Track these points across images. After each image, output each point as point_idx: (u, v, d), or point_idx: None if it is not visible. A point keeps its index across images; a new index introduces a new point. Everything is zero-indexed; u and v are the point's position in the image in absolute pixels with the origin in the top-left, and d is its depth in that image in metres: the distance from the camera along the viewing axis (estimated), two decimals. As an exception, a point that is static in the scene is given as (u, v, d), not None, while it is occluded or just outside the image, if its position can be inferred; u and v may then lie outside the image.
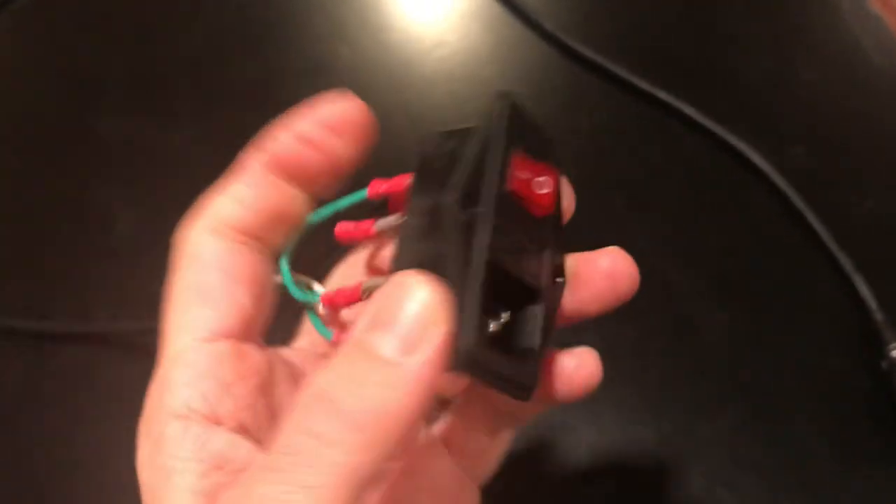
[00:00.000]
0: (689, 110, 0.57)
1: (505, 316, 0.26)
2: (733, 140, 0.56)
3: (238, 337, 0.27)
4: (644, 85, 0.58)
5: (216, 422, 0.25)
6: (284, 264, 0.29)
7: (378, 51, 0.62)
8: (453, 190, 0.24)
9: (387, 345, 0.22)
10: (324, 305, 0.29)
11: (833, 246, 0.52)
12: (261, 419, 0.26)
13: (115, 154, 0.58)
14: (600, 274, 0.28)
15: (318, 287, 0.30)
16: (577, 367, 0.28)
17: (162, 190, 0.56)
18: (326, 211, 0.29)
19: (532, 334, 0.26)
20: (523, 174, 0.26)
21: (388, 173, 0.29)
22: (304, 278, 0.30)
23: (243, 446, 0.25)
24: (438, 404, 0.32)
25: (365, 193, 0.28)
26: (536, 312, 0.26)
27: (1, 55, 0.63)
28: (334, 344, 0.29)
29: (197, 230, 0.28)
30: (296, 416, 0.22)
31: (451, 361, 0.22)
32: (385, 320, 0.22)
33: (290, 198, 0.28)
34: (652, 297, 0.51)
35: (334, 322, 0.30)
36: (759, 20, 0.62)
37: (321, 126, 0.27)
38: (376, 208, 0.29)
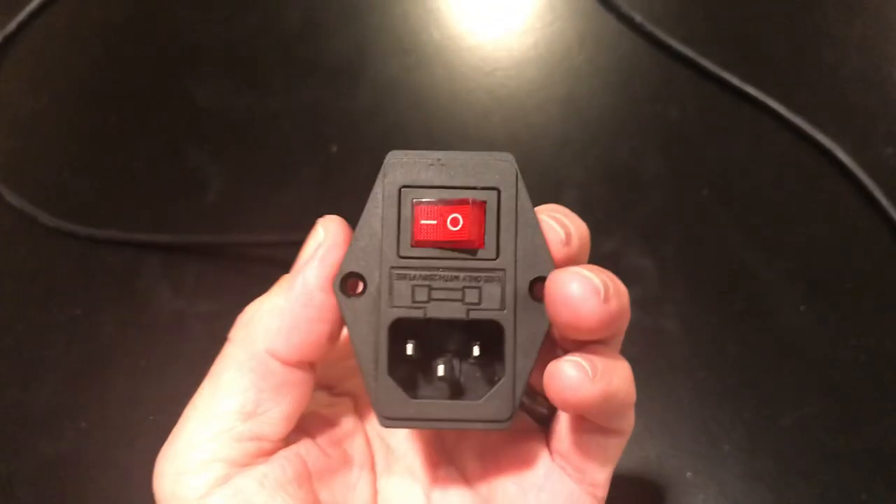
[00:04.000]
0: (778, 106, 0.57)
1: (445, 361, 0.28)
2: (821, 138, 0.56)
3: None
4: (734, 80, 0.58)
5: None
6: None
7: (467, 33, 0.63)
8: (338, 272, 0.28)
9: (291, 273, 0.28)
10: None
11: (920, 247, 0.52)
12: None
13: (210, 121, 0.59)
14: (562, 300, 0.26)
15: None
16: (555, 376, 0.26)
17: (252, 158, 0.57)
18: None
19: (500, 365, 0.28)
20: (430, 218, 0.27)
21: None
22: None
23: None
24: (537, 420, 0.32)
25: None
26: (501, 342, 0.28)
27: (104, 21, 0.64)
28: None
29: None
30: None
31: (380, 422, 0.27)
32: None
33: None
34: (735, 288, 0.52)
35: None
36: (853, 19, 0.62)
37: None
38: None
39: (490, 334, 0.28)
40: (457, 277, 0.27)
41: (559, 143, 0.57)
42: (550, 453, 0.31)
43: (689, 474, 0.46)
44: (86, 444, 0.48)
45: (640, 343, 0.50)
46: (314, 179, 0.56)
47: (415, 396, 0.28)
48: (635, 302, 0.51)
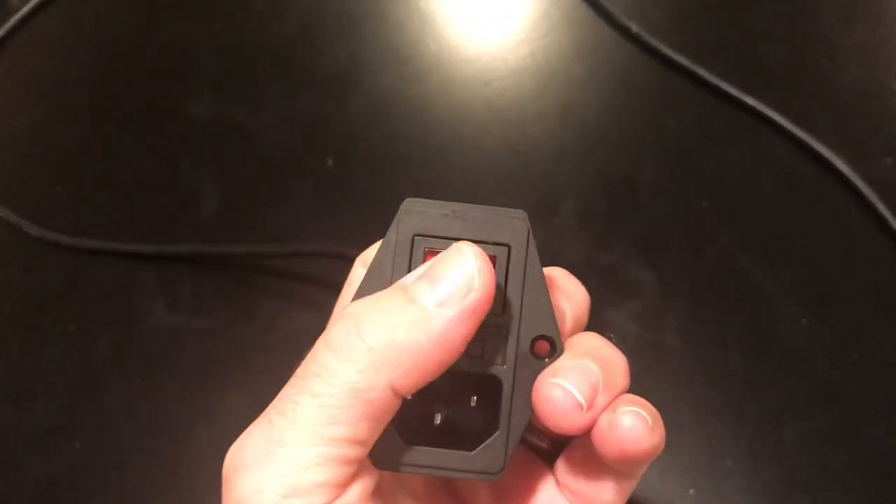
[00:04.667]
0: (776, 116, 0.57)
1: (443, 412, 0.29)
2: (820, 147, 0.56)
3: None
4: (732, 90, 0.58)
5: None
6: None
7: (463, 44, 0.63)
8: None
9: (427, 295, 0.25)
10: None
11: (921, 258, 0.52)
12: None
13: (204, 133, 0.59)
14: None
15: None
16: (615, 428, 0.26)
17: (247, 170, 0.57)
18: None
19: (495, 419, 0.28)
20: None
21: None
22: None
23: None
24: (551, 445, 0.32)
25: None
26: (499, 397, 0.28)
27: (98, 32, 0.64)
28: None
29: None
30: (326, 330, 0.26)
31: (373, 463, 0.27)
32: (433, 276, 0.26)
33: None
34: (735, 300, 0.51)
35: None
36: (852, 28, 0.62)
37: None
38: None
39: (488, 386, 0.28)
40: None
41: (557, 154, 0.57)
42: (557, 484, 0.30)
43: (691, 491, 0.46)
44: (80, 463, 0.47)
45: (640, 357, 0.49)
46: (310, 191, 0.56)
47: (410, 442, 0.28)
48: (635, 315, 0.51)
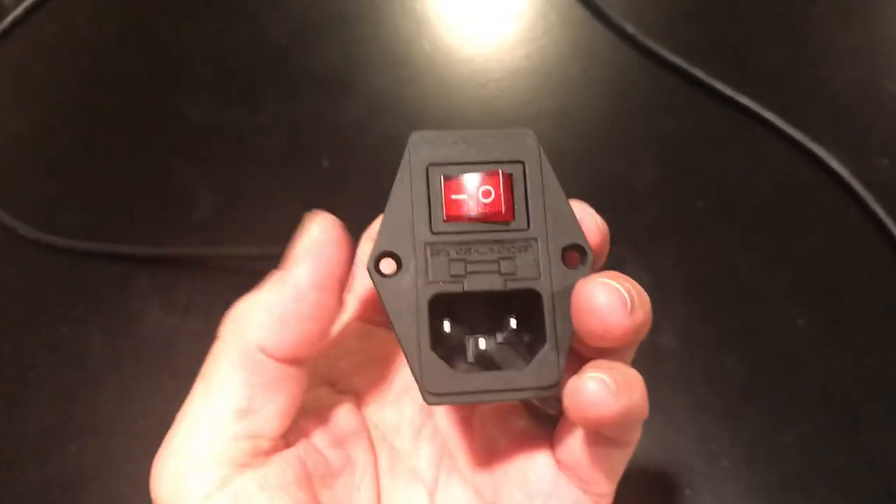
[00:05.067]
0: (773, 117, 0.57)
1: (483, 337, 0.28)
2: (817, 149, 0.56)
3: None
4: (728, 90, 0.58)
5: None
6: None
7: (458, 45, 0.63)
8: (372, 252, 0.27)
9: (283, 269, 0.28)
10: None
11: (917, 259, 0.52)
12: None
13: (199, 135, 0.58)
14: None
15: None
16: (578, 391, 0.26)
17: (242, 173, 0.57)
18: None
19: (540, 333, 0.28)
20: (460, 193, 0.28)
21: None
22: None
23: None
24: (543, 420, 0.32)
25: None
26: (541, 310, 0.28)
27: (91, 33, 0.64)
28: None
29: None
30: None
31: (426, 399, 0.27)
32: (291, 255, 0.28)
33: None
34: (732, 301, 0.51)
35: None
36: (848, 29, 0.62)
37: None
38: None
39: (523, 306, 0.28)
40: (491, 249, 0.28)
41: (553, 155, 0.56)
42: (556, 461, 0.30)
43: (687, 491, 0.46)
44: (74, 466, 0.47)
45: (637, 358, 0.49)
46: (305, 194, 0.56)
47: (460, 372, 0.28)
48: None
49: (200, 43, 0.63)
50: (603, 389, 0.26)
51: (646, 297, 0.27)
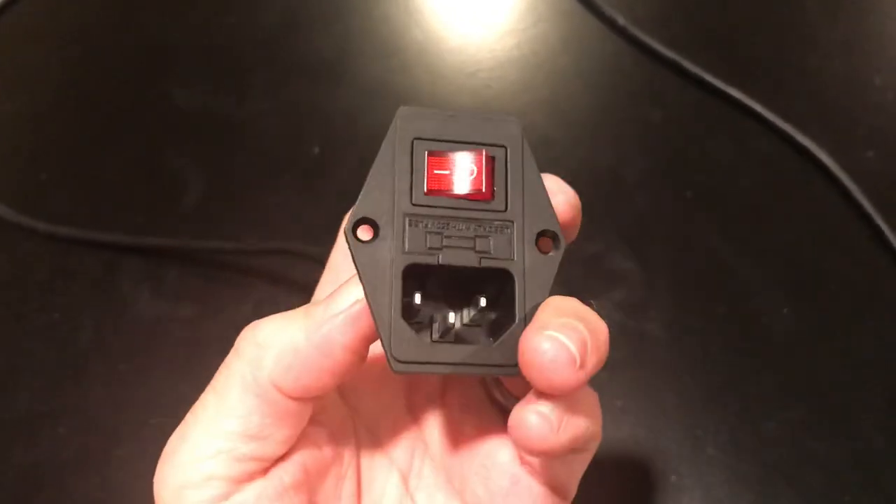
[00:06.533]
0: (760, 109, 0.57)
1: (458, 313, 0.29)
2: (804, 140, 0.56)
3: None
4: (717, 82, 0.58)
5: None
6: None
7: (449, 34, 0.63)
8: (350, 217, 0.27)
9: (320, 310, 0.27)
10: None
11: (901, 250, 0.52)
12: None
13: (189, 123, 0.58)
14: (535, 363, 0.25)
15: None
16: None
17: (233, 160, 0.57)
18: None
19: (509, 314, 0.28)
20: (443, 169, 0.28)
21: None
22: None
23: None
24: (505, 412, 0.32)
25: None
26: (512, 291, 0.28)
27: (81, 21, 0.64)
28: None
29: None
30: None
31: (392, 367, 0.27)
32: (330, 298, 0.27)
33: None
34: (718, 290, 0.52)
35: None
36: (836, 22, 0.62)
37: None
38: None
39: (494, 286, 0.28)
40: (468, 227, 0.28)
41: (543, 145, 0.57)
42: (518, 457, 0.30)
43: (673, 478, 0.46)
44: (63, 449, 0.47)
45: (623, 347, 0.50)
46: (296, 182, 0.56)
47: (427, 341, 0.28)
48: (619, 305, 0.51)
49: (190, 29, 0.63)
50: (545, 425, 0.25)
51: (603, 334, 0.26)
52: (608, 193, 0.55)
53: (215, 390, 0.28)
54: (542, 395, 0.26)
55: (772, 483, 0.46)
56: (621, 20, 0.61)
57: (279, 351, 0.27)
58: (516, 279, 0.28)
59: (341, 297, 0.27)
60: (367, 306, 0.26)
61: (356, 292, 0.27)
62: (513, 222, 0.28)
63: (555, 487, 0.30)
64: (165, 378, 0.49)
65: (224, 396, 0.28)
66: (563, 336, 0.24)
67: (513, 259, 0.28)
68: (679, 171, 0.56)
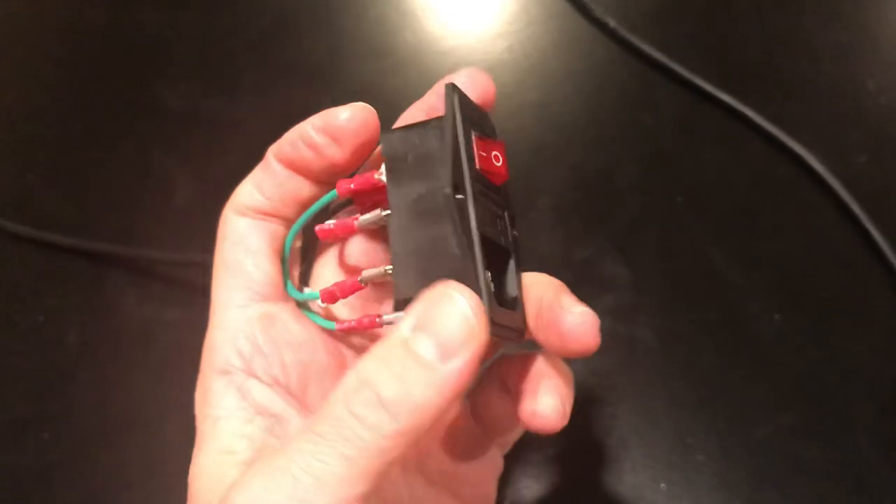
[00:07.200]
0: (752, 114, 0.57)
1: (489, 276, 0.29)
2: (795, 146, 0.56)
3: (270, 298, 0.31)
4: (708, 86, 0.58)
5: (252, 375, 0.30)
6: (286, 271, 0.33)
7: (441, 36, 0.63)
8: (445, 181, 0.28)
9: (428, 349, 0.25)
10: (323, 300, 0.31)
11: (892, 256, 0.52)
12: (292, 378, 0.30)
13: (179, 123, 0.58)
14: (558, 331, 0.28)
15: (308, 289, 0.33)
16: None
17: (222, 162, 0.56)
18: (302, 219, 0.32)
19: (512, 285, 0.30)
20: (483, 152, 0.29)
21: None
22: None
23: (278, 400, 0.30)
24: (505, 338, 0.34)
25: (335, 193, 0.31)
26: (512, 267, 0.30)
27: (70, 20, 0.63)
28: (339, 332, 0.33)
29: (226, 213, 0.32)
30: (341, 393, 0.25)
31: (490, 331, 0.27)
32: (428, 325, 0.25)
33: (297, 185, 0.32)
34: (709, 296, 0.52)
35: (331, 316, 0.34)
36: (828, 27, 0.62)
37: (322, 133, 0.31)
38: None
39: (495, 262, 0.30)
40: (494, 206, 0.30)
41: (533, 149, 0.57)
42: (473, 415, 0.34)
43: (663, 485, 0.46)
44: (49, 454, 0.46)
45: (614, 352, 0.49)
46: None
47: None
48: (609, 310, 0.51)
49: (181, 30, 0.63)
50: (558, 415, 0.28)
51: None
52: (599, 198, 0.55)
53: (345, 456, 0.25)
54: (552, 375, 0.29)
55: (761, 490, 0.46)
56: (612, 23, 0.61)
57: (418, 417, 0.25)
58: (513, 256, 0.30)
59: (447, 329, 0.26)
60: (482, 326, 0.26)
61: (458, 314, 0.26)
62: (505, 209, 0.30)
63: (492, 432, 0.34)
64: (153, 381, 0.49)
65: (359, 463, 0.25)
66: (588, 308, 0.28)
67: (510, 241, 0.30)
68: (670, 175, 0.56)
